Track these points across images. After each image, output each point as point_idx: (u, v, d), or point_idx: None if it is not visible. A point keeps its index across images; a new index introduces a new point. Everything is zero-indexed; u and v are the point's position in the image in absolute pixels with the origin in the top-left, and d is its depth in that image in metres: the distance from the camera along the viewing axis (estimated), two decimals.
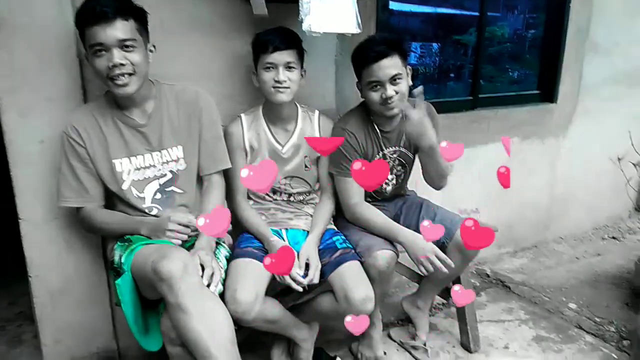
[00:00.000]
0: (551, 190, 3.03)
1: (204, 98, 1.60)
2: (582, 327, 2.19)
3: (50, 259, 1.68)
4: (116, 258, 1.48)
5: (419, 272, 1.68)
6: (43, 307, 1.72)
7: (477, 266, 2.76)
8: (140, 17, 1.42)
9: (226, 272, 1.52)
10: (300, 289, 1.55)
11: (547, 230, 3.12)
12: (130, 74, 1.39)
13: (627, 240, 3.19)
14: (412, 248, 1.65)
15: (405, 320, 2.04)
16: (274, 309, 1.60)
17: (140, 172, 1.53)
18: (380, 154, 1.82)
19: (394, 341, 2.05)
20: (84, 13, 1.35)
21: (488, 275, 2.70)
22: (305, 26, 1.60)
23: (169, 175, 1.56)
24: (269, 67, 1.63)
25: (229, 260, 1.59)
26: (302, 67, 1.71)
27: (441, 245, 1.73)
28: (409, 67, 1.73)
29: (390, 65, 1.64)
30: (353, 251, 1.67)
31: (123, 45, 1.36)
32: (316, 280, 1.58)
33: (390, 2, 2.29)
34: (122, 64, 1.36)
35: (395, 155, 1.85)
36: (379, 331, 1.92)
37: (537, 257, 2.95)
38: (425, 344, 1.96)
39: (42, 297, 1.70)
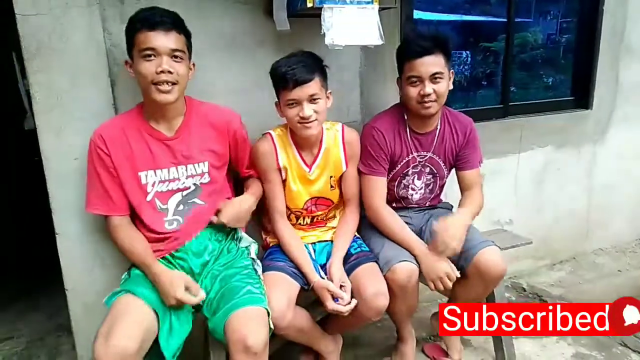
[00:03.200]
0: (589, 200, 2.91)
1: (231, 114, 1.63)
2: (627, 344, 2.08)
3: (84, 273, 1.72)
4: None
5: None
6: (78, 319, 1.76)
7: (512, 280, 2.67)
8: (188, 36, 1.49)
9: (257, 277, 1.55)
10: (347, 312, 1.54)
11: (586, 242, 2.99)
12: (173, 83, 1.44)
13: None
14: (425, 264, 1.62)
15: (438, 336, 1.99)
16: (304, 319, 1.63)
17: (165, 184, 1.55)
18: (410, 156, 1.78)
19: (428, 357, 2.00)
20: (143, 18, 1.41)
21: (524, 289, 2.61)
22: (327, 40, 1.61)
23: (192, 188, 1.58)
24: (292, 104, 1.55)
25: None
26: (326, 89, 1.61)
27: (459, 268, 1.67)
28: (451, 70, 1.70)
29: (433, 62, 1.61)
30: (368, 254, 1.68)
31: (173, 54, 1.42)
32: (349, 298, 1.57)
33: (415, 12, 2.27)
34: (169, 71, 1.41)
35: (424, 161, 1.81)
36: (412, 346, 1.88)
37: (576, 270, 2.83)
38: None
39: (77, 310, 1.75)
